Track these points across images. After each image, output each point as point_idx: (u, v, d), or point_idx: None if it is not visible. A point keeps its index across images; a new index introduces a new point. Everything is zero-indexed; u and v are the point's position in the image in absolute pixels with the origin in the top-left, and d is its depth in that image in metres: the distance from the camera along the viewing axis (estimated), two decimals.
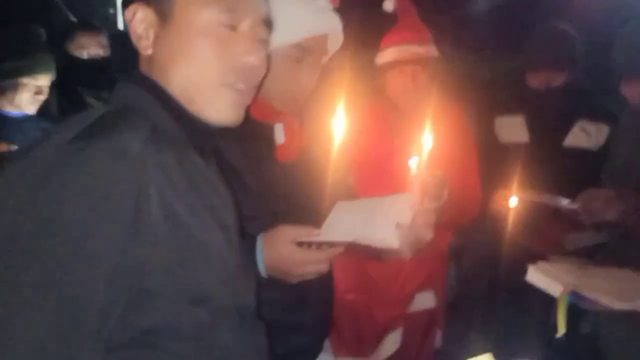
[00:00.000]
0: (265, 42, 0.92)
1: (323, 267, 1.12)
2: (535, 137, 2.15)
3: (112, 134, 0.73)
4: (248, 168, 1.21)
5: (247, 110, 0.97)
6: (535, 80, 2.19)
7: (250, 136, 1.19)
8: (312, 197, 1.25)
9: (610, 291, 1.27)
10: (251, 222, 1.11)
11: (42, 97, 2.27)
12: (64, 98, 2.44)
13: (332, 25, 1.25)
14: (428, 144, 1.19)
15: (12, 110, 2.23)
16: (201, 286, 0.79)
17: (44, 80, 2.24)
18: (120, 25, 4.08)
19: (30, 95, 2.23)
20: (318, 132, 1.37)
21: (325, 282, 1.29)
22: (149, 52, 0.86)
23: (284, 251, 1.09)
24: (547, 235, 1.95)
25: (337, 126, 1.15)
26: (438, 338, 2.18)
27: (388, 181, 1.65)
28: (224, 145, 1.14)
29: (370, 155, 1.94)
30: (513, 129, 2.21)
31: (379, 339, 2.06)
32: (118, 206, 0.70)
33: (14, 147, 1.98)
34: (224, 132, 0.93)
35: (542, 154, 2.08)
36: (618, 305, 1.23)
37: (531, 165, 2.00)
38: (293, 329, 1.24)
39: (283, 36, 1.12)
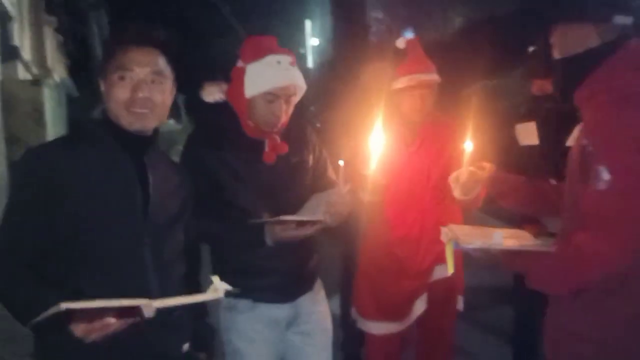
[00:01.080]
0: (151, 83, 1.44)
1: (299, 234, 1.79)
2: (543, 140, 2.48)
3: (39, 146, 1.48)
4: (245, 167, 1.91)
5: (245, 129, 1.91)
6: (534, 88, 2.55)
7: (246, 147, 1.92)
8: (287, 186, 1.95)
9: (470, 238, 1.63)
10: (246, 202, 1.88)
11: None
12: None
13: (292, 78, 1.89)
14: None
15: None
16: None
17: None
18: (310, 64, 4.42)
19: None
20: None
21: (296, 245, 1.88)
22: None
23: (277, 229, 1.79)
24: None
25: (373, 140, 1.85)
26: (460, 302, 2.62)
27: (405, 182, 2.35)
28: (228, 154, 1.90)
29: (390, 161, 2.23)
30: (527, 133, 2.55)
31: (408, 305, 2.53)
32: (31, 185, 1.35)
33: None
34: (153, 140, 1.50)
35: (549, 153, 2.39)
36: (464, 244, 1.61)
37: (541, 164, 2.29)
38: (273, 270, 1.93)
39: (259, 87, 1.85)
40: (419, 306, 2.55)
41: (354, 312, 2.68)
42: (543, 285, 1.55)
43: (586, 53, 1.53)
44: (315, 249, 2.07)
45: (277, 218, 1.76)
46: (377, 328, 2.57)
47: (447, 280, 2.39)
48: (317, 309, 2.11)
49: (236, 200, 1.89)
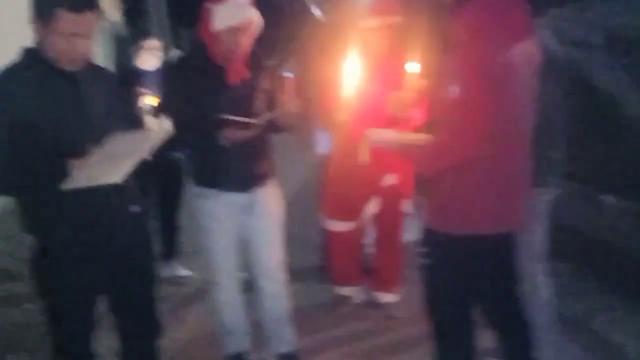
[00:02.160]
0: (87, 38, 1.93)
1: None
2: None
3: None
4: (212, 88, 2.47)
5: (212, 56, 2.45)
6: None
7: (213, 72, 2.47)
8: (247, 104, 2.49)
9: (380, 137, 2.30)
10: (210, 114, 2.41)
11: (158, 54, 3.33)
12: None
13: (250, 16, 2.42)
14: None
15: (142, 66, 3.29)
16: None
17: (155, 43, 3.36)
18: None
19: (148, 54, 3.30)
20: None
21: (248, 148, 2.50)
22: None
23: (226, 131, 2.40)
24: None
25: (347, 68, 2.40)
26: (408, 206, 3.28)
27: (366, 105, 2.72)
28: (197, 77, 2.44)
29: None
30: None
31: (362, 206, 3.18)
32: None
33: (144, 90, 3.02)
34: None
35: None
36: (375, 140, 2.29)
37: None
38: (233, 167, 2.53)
39: (224, 23, 2.35)
40: (372, 207, 3.17)
41: (320, 215, 3.28)
42: (420, 168, 2.20)
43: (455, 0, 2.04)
44: (267, 154, 2.67)
45: (220, 117, 2.36)
46: (337, 226, 3.20)
47: (395, 187, 3.09)
48: (270, 198, 2.70)
49: (205, 114, 2.43)
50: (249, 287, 2.88)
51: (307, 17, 3.81)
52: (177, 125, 2.32)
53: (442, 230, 2.16)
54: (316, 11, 3.78)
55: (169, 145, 2.40)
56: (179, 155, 3.52)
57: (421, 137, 2.13)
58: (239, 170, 2.55)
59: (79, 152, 1.83)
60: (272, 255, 2.74)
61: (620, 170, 4.48)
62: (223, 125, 2.39)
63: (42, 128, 1.88)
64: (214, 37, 2.40)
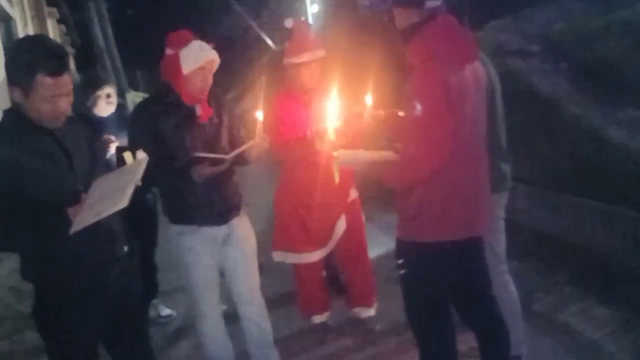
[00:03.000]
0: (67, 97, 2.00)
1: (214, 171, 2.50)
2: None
3: None
4: (184, 127, 2.58)
5: (181, 96, 2.55)
6: None
7: (185, 112, 2.59)
8: (214, 140, 2.65)
9: (347, 157, 2.37)
10: (185, 155, 2.54)
11: (113, 101, 3.48)
12: None
13: (213, 55, 2.58)
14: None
15: (100, 113, 3.46)
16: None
17: (110, 89, 3.46)
18: None
19: (104, 101, 3.44)
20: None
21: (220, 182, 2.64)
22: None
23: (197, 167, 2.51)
24: None
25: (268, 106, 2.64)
26: (352, 193, 3.39)
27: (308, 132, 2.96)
28: (167, 117, 2.55)
29: (292, 118, 3.07)
30: None
31: (332, 228, 3.27)
32: None
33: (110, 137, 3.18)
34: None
35: None
36: (343, 160, 2.35)
37: None
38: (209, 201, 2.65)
39: (194, 64, 2.50)
40: (340, 227, 3.29)
41: (278, 254, 3.28)
42: (389, 183, 2.28)
43: (409, 27, 2.21)
44: (237, 185, 2.80)
45: (192, 155, 2.49)
46: (310, 257, 3.25)
47: (357, 201, 3.31)
48: (244, 228, 2.83)
49: (176, 153, 2.56)
50: (231, 318, 2.95)
51: (261, 49, 3.96)
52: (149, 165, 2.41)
53: (415, 239, 2.29)
54: (269, 42, 3.95)
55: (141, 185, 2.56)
56: (150, 195, 3.60)
57: (388, 154, 2.26)
58: (215, 204, 2.65)
59: (74, 200, 1.91)
60: (250, 282, 2.84)
61: (566, 169, 4.76)
62: (195, 162, 2.49)
63: (35, 185, 1.94)
64: (184, 79, 2.52)
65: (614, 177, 4.34)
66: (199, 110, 2.60)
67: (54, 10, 12.92)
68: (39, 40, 2.13)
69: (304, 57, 2.96)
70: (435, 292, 2.35)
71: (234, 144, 2.68)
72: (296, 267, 3.34)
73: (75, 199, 1.92)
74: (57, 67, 1.92)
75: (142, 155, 2.06)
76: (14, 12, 7.51)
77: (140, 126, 2.59)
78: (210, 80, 2.60)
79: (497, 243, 2.77)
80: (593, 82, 6.28)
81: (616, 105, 5.57)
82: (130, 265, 2.30)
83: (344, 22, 10.93)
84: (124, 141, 3.25)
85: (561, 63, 6.96)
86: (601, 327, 3.22)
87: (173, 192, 2.66)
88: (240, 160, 2.64)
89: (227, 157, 2.52)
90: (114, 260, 2.18)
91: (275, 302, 3.12)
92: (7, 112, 2.05)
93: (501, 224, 2.77)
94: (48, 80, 1.90)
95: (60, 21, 14.14)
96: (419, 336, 2.46)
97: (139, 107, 2.71)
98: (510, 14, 8.59)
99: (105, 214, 1.88)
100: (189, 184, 2.51)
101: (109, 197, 1.90)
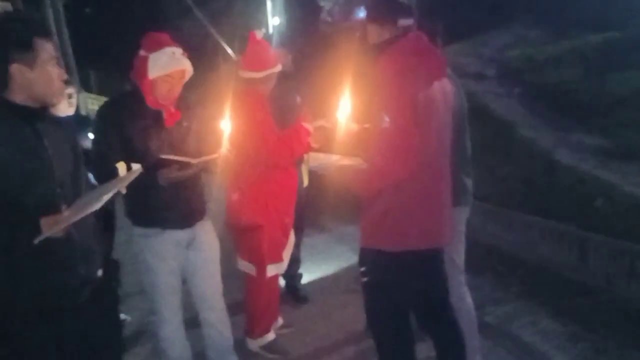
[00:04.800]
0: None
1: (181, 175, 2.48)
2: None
3: None
4: (149, 131, 2.53)
5: (147, 102, 2.50)
6: None
7: (149, 115, 2.54)
8: (181, 143, 2.61)
9: (316, 161, 2.49)
10: (150, 158, 2.47)
11: (74, 102, 3.41)
12: None
13: (183, 64, 2.55)
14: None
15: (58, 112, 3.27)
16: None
17: (71, 90, 3.36)
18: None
19: (65, 101, 3.34)
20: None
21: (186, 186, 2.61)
22: None
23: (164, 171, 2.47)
24: None
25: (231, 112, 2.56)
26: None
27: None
28: (134, 119, 2.48)
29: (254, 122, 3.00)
30: None
31: (284, 243, 3.26)
32: None
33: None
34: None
35: None
36: (312, 164, 2.48)
37: None
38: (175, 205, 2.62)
39: (160, 71, 2.47)
40: (292, 240, 3.34)
41: (246, 265, 3.19)
42: (355, 190, 2.35)
43: (380, 43, 2.27)
44: (202, 190, 2.79)
45: (158, 157, 2.46)
46: (275, 269, 3.21)
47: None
48: (208, 232, 2.81)
49: (142, 156, 2.46)
50: (189, 323, 2.89)
51: (219, 57, 3.95)
52: (109, 168, 2.35)
53: (378, 248, 2.33)
54: (229, 51, 3.95)
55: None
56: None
57: (356, 161, 2.32)
58: (180, 208, 2.62)
59: (49, 206, 1.73)
60: (212, 286, 2.82)
61: (519, 188, 4.96)
62: (161, 165, 2.46)
63: (10, 180, 1.74)
64: (149, 84, 2.49)
65: (564, 197, 4.55)
66: (164, 114, 2.57)
67: (8, 4, 12.52)
68: (17, 13, 2.09)
69: (264, 73, 2.99)
70: (396, 300, 2.39)
71: (201, 149, 2.65)
72: (264, 279, 3.17)
73: (52, 206, 1.73)
74: (47, 29, 1.88)
75: (136, 166, 1.99)
76: None
77: (107, 126, 2.51)
78: (178, 88, 2.58)
79: (458, 254, 2.85)
80: (545, 107, 6.58)
81: (567, 130, 5.85)
82: (107, 292, 2.03)
83: (306, 36, 11.02)
84: (85, 143, 3.19)
85: (515, 87, 7.26)
86: (550, 339, 3.34)
87: (138, 193, 2.51)
88: (206, 167, 2.62)
89: (194, 161, 2.50)
90: (85, 284, 1.91)
91: (232, 308, 3.07)
92: None
93: (462, 237, 2.85)
94: (47, 44, 1.81)
95: None
96: (378, 344, 2.49)
97: (107, 106, 2.64)
98: (469, 38, 8.92)
99: (74, 218, 1.70)
100: (154, 186, 2.48)
101: (86, 204, 1.75)
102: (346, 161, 2.34)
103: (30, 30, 1.77)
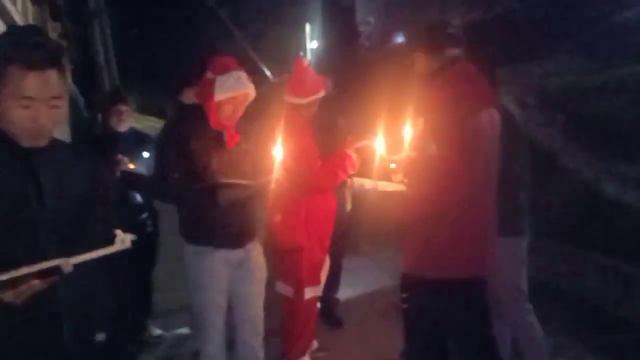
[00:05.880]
0: (51, 109, 1.44)
1: None
2: None
3: None
4: (210, 150, 2.60)
5: (210, 121, 2.57)
6: None
7: (212, 135, 2.62)
8: (239, 164, 2.66)
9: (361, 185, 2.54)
10: (210, 177, 2.54)
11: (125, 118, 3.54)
12: None
13: (248, 88, 2.63)
14: None
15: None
16: None
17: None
18: None
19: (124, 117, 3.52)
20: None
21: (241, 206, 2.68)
22: None
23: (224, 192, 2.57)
24: None
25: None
26: None
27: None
28: (196, 139, 2.58)
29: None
30: None
31: (320, 267, 3.33)
32: None
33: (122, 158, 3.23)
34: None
35: None
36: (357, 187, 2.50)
37: None
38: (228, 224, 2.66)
39: (226, 93, 2.55)
40: (327, 266, 3.36)
41: (284, 287, 3.24)
42: (400, 216, 2.39)
43: (429, 72, 2.32)
44: (255, 212, 2.79)
45: (223, 181, 2.54)
46: (313, 291, 3.28)
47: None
48: (258, 254, 2.86)
49: (203, 175, 2.58)
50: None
51: (258, 79, 4.03)
52: (173, 183, 2.48)
53: (420, 274, 2.33)
54: (268, 73, 4.03)
55: (158, 197, 2.87)
56: (145, 215, 3.61)
57: (401, 187, 2.34)
58: (233, 228, 2.66)
59: (27, 254, 1.38)
60: (256, 309, 2.84)
61: (560, 219, 4.86)
62: (219, 186, 2.52)
63: None
64: (215, 105, 2.57)
65: (607, 229, 4.44)
66: (226, 136, 2.65)
67: (58, 25, 12.95)
68: (27, 29, 1.62)
69: (309, 99, 3.08)
70: (435, 328, 2.38)
71: (257, 171, 2.68)
72: (302, 302, 3.22)
73: (36, 258, 1.33)
74: (39, 59, 1.39)
75: (129, 237, 1.47)
76: (20, 21, 7.56)
77: (170, 145, 2.62)
78: (241, 111, 2.66)
79: (524, 284, 2.90)
80: (588, 137, 6.46)
81: (610, 160, 5.73)
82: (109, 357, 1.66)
83: (346, 60, 11.14)
84: (137, 162, 3.29)
85: (557, 116, 7.16)
86: None
87: (194, 212, 2.66)
88: (261, 190, 2.66)
89: (252, 184, 2.56)
90: (82, 351, 1.54)
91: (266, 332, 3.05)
92: None
93: (523, 265, 2.90)
94: (22, 72, 1.38)
95: (61, 36, 14.13)
96: None
97: (170, 126, 2.77)
98: (510, 65, 8.86)
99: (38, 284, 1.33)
100: (211, 205, 2.53)
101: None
102: (391, 187, 2.36)
103: (10, 52, 1.40)
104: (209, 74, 2.60)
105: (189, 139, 2.58)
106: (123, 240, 1.45)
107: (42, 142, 1.48)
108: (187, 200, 2.65)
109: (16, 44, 1.42)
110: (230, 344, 2.88)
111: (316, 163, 2.98)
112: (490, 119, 2.29)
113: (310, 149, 3.01)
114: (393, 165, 2.44)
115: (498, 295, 2.84)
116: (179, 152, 2.56)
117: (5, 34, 1.58)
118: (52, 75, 1.42)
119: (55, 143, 1.55)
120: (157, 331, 3.85)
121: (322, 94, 3.11)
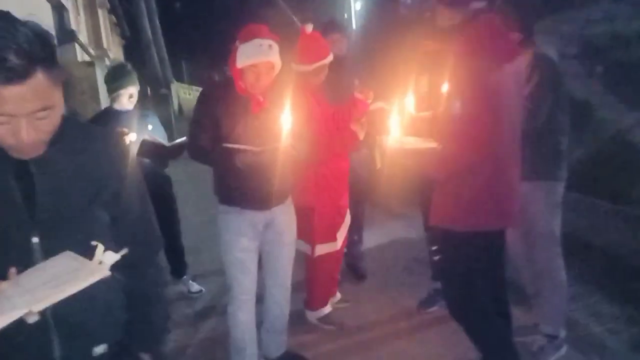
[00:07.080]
0: (37, 120, 1.22)
1: None
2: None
3: None
4: (237, 114, 2.70)
5: (238, 88, 2.68)
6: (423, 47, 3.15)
7: (238, 101, 2.70)
8: (265, 129, 2.70)
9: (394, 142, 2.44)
10: (237, 139, 2.66)
11: (134, 99, 3.70)
12: None
13: (269, 57, 2.63)
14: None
15: (120, 108, 3.65)
16: None
17: (133, 90, 3.67)
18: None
19: (126, 99, 3.65)
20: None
21: (265, 170, 2.74)
22: None
23: (241, 155, 2.66)
24: None
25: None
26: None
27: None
28: (225, 104, 2.68)
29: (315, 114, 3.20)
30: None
31: (339, 224, 3.48)
32: None
33: (125, 130, 3.33)
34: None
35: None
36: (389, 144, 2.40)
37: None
38: (252, 187, 2.76)
39: (246, 61, 2.61)
40: (347, 221, 3.55)
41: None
42: (428, 173, 2.46)
43: (451, 26, 2.30)
44: (285, 175, 2.82)
45: (228, 146, 2.65)
46: (327, 248, 3.43)
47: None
48: (287, 215, 2.95)
49: (228, 137, 2.68)
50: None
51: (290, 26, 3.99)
52: (203, 144, 2.70)
53: (447, 226, 2.39)
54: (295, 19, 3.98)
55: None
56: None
57: (432, 144, 2.33)
58: (257, 191, 2.74)
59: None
60: (285, 265, 2.99)
61: (588, 171, 4.83)
62: (232, 151, 2.63)
63: None
64: (239, 72, 2.67)
65: (633, 179, 4.41)
66: (252, 102, 2.71)
67: (105, 0, 13.35)
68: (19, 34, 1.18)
69: (314, 65, 3.16)
70: (468, 275, 2.45)
71: (281, 136, 2.72)
72: (320, 257, 3.41)
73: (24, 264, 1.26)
74: (5, 76, 1.14)
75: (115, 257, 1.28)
76: (67, 2, 7.86)
77: (203, 109, 2.75)
78: (266, 79, 2.67)
79: (558, 229, 2.99)
80: (627, 85, 6.28)
81: None
82: None
83: (385, 20, 11.02)
84: (142, 136, 3.51)
85: (597, 66, 6.96)
86: (604, 322, 3.33)
87: (221, 173, 2.79)
88: (287, 153, 2.72)
89: (257, 149, 2.61)
90: None
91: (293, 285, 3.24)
92: None
93: (558, 211, 2.97)
94: (4, 91, 1.15)
95: (110, 11, 14.59)
96: (455, 311, 2.56)
97: (205, 91, 2.92)
98: (552, 14, 8.56)
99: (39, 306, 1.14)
100: (234, 168, 2.63)
101: (29, 291, 1.17)
102: (422, 144, 2.37)
103: None
104: (237, 42, 2.67)
105: (218, 103, 2.70)
106: (101, 261, 1.24)
107: (34, 153, 1.30)
108: (214, 162, 2.79)
109: None
110: (260, 298, 3.03)
111: (324, 134, 3.12)
112: (515, 72, 2.27)
113: (319, 121, 3.12)
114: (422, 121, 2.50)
115: (530, 239, 3.00)
116: (208, 115, 2.70)
117: None
118: (31, 85, 1.17)
119: (60, 138, 1.33)
120: (196, 287, 4.18)
121: (329, 59, 3.19)
